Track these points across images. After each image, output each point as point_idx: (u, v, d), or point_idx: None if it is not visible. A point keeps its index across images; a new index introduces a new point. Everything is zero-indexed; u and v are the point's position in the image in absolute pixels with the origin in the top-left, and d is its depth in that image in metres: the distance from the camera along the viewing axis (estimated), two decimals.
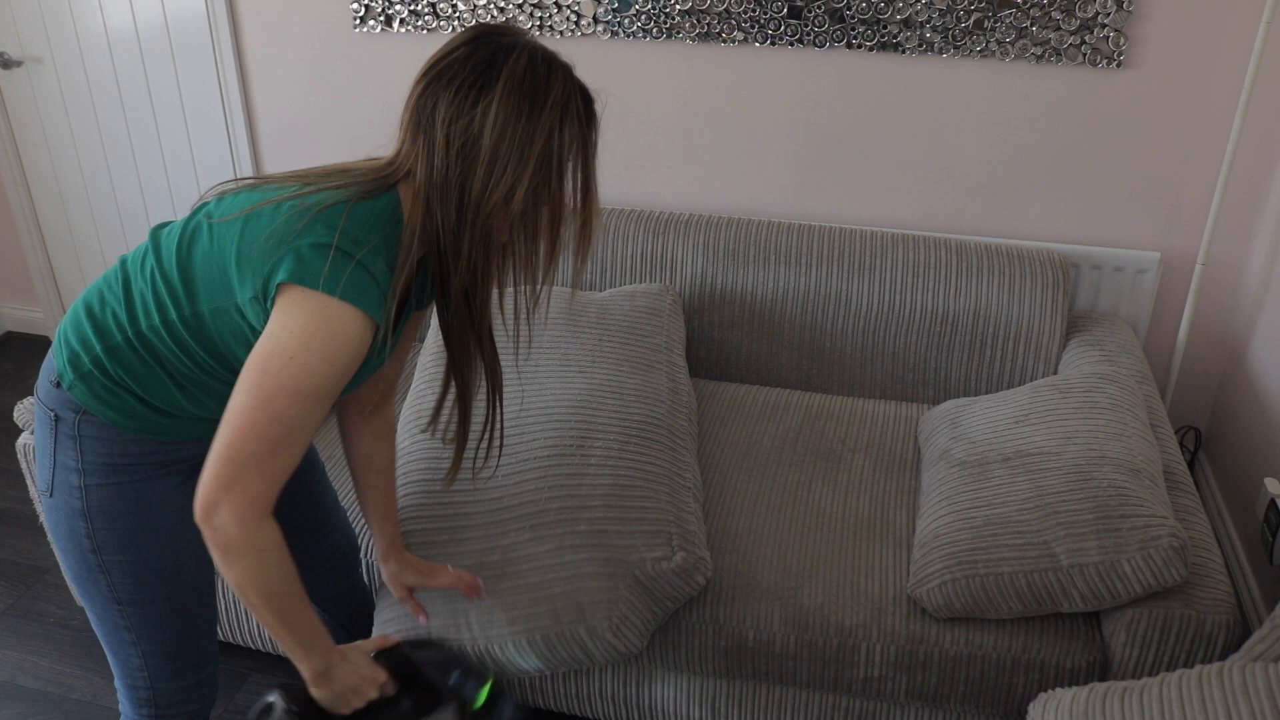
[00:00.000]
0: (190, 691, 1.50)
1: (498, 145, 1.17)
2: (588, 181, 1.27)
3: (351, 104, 2.74)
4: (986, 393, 2.33)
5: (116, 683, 1.50)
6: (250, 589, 1.20)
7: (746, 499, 2.01)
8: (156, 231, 1.32)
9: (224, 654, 2.24)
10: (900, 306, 2.32)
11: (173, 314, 1.25)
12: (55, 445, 1.32)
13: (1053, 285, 2.29)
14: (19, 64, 3.07)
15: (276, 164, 2.96)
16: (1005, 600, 1.70)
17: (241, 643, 2.17)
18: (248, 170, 2.98)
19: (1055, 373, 2.29)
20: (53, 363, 1.32)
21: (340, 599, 1.77)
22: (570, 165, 1.24)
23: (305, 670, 1.31)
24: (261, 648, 2.17)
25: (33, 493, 2.13)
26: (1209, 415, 2.59)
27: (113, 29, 2.92)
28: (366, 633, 1.83)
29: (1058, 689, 1.45)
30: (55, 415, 1.31)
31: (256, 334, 1.22)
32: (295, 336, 1.15)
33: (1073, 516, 1.70)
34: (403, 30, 2.60)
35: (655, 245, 2.42)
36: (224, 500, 1.15)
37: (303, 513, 1.64)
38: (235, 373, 1.28)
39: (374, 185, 1.22)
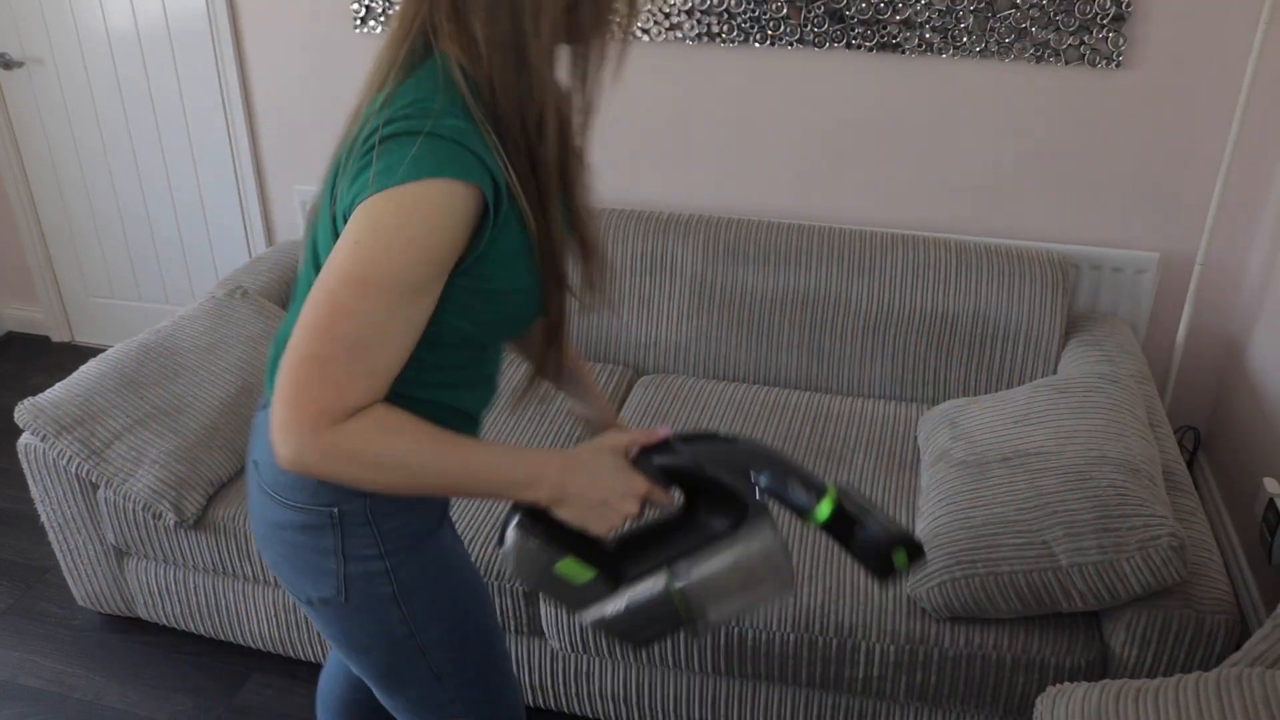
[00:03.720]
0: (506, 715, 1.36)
1: None
2: None
3: (352, 105, 2.74)
4: (986, 393, 2.33)
5: None
6: (382, 482, 1.01)
7: None
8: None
9: (224, 654, 2.24)
10: (900, 306, 2.32)
11: None
12: (341, 544, 1.14)
13: (1052, 285, 2.29)
14: (20, 64, 3.07)
15: (276, 164, 2.96)
16: (1005, 600, 1.71)
17: (241, 642, 2.18)
18: (247, 170, 2.98)
19: (1055, 373, 2.29)
20: None
21: None
22: None
23: (535, 499, 1.09)
24: (261, 647, 2.17)
25: (34, 492, 2.13)
26: (1208, 415, 2.59)
27: (113, 29, 2.93)
28: None
29: (1066, 684, 1.45)
30: (336, 511, 1.12)
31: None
32: (359, 227, 0.95)
33: (1072, 516, 1.70)
34: None
35: (655, 245, 2.42)
36: (289, 419, 0.96)
37: None
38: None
39: (408, 55, 1.03)
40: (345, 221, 0.98)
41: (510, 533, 1.08)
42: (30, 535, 2.62)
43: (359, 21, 2.63)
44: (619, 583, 1.08)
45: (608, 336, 2.47)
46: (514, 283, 1.07)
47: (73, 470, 2.04)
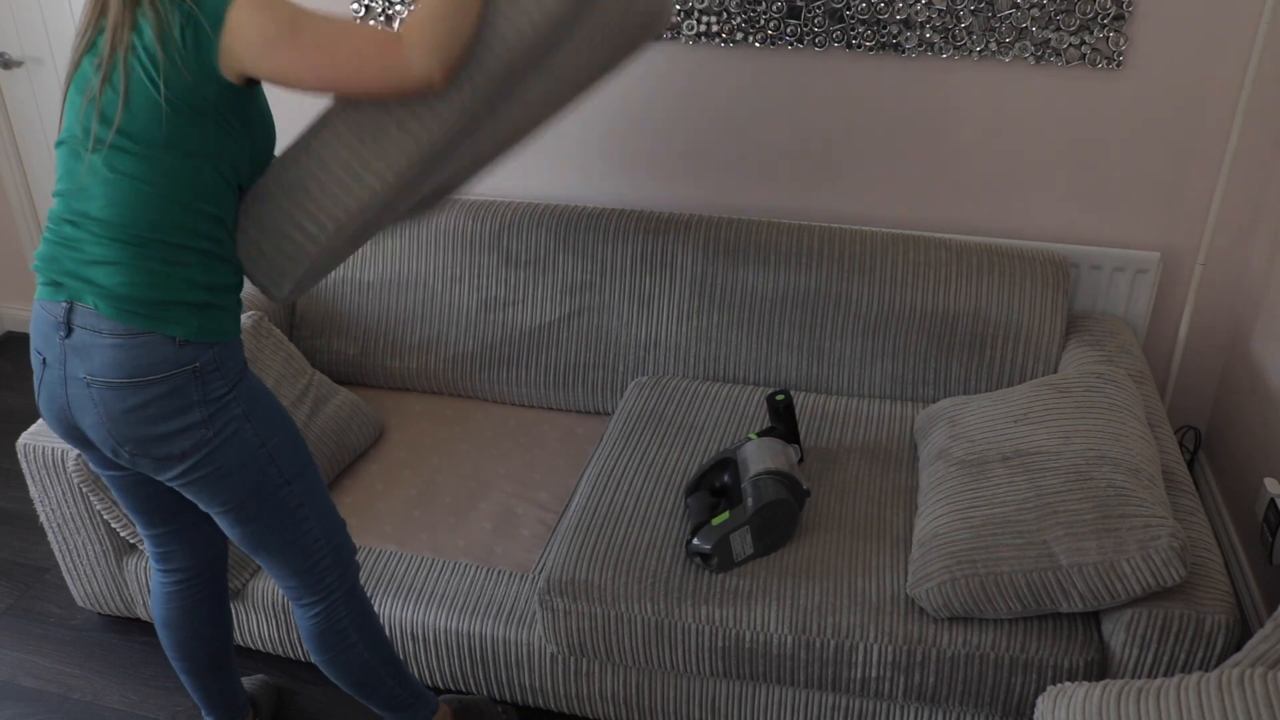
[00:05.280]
0: (346, 534, 1.73)
1: None
2: None
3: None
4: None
5: (295, 582, 1.67)
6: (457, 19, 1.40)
7: None
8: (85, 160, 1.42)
9: None
10: (900, 306, 2.32)
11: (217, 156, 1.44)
12: (202, 390, 1.47)
13: (1053, 285, 2.29)
14: (19, 64, 3.07)
15: None
16: (1004, 600, 1.70)
17: (241, 642, 2.17)
18: None
19: (1055, 373, 2.29)
20: (151, 339, 1.43)
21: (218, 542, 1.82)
22: None
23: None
24: (261, 647, 2.17)
25: (34, 492, 2.14)
26: (1209, 415, 2.59)
27: None
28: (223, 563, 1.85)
29: (1067, 683, 1.45)
30: (195, 367, 1.46)
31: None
32: (260, 31, 1.36)
33: (1072, 516, 1.70)
34: None
35: (655, 245, 2.42)
36: (403, 65, 1.38)
37: None
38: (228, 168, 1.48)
39: None
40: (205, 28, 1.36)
41: (700, 538, 1.84)
42: (30, 535, 2.62)
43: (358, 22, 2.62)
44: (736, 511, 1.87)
45: (607, 336, 2.47)
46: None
47: (68, 464, 2.04)
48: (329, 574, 1.69)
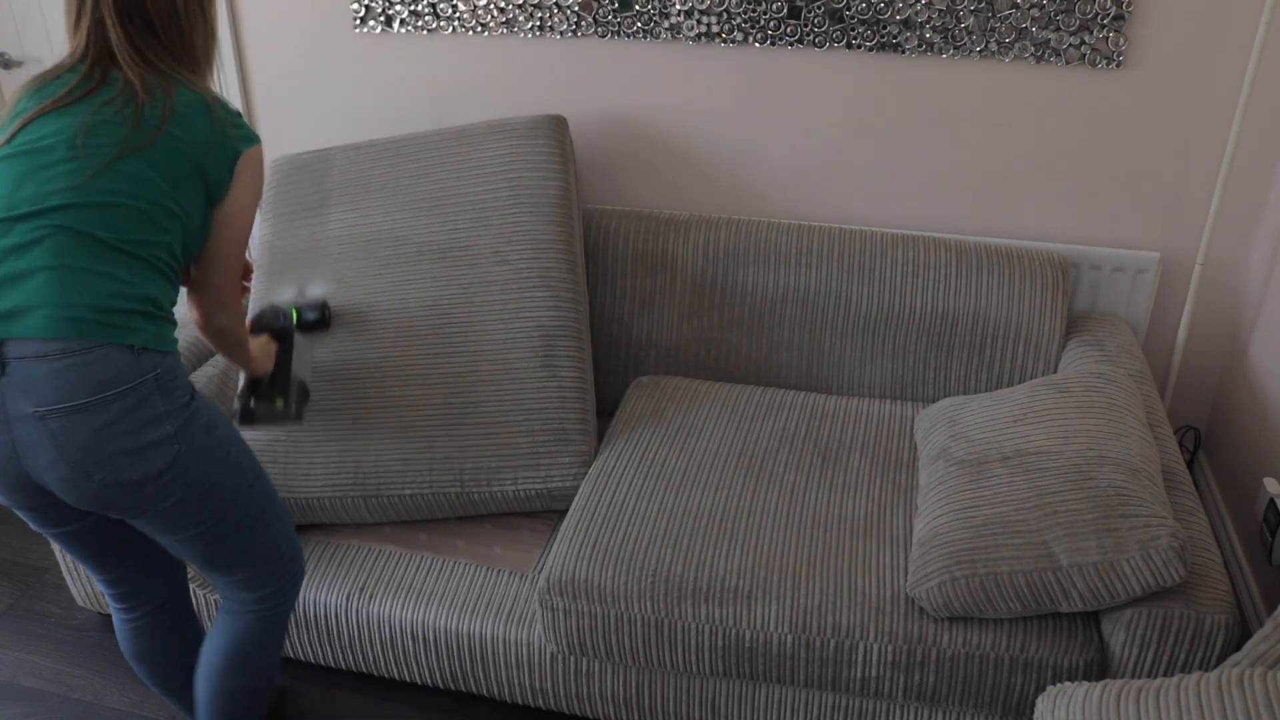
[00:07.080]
0: (294, 529, 1.81)
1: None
2: None
3: (352, 105, 2.74)
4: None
5: (256, 590, 1.70)
6: (241, 350, 1.76)
7: (744, 498, 2.01)
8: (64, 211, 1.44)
9: None
10: (900, 306, 2.32)
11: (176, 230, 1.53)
12: (164, 400, 1.46)
13: (1052, 285, 2.29)
14: (19, 64, 3.07)
15: None
16: (1004, 600, 1.70)
17: None
18: None
19: (1055, 373, 2.29)
20: (108, 350, 1.40)
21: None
22: None
23: (256, 369, 1.90)
24: None
25: None
26: (1208, 415, 2.59)
27: None
28: (183, 579, 1.84)
29: (1066, 683, 1.45)
30: (156, 375, 1.44)
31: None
32: (252, 186, 1.58)
33: (1072, 516, 1.70)
34: (403, 30, 2.60)
35: (655, 245, 2.42)
36: (225, 309, 1.65)
37: None
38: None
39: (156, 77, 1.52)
40: (230, 157, 1.55)
41: (254, 402, 1.95)
42: (30, 535, 2.62)
43: (359, 21, 2.63)
44: (286, 396, 1.99)
45: (607, 337, 2.47)
46: None
47: None
48: (289, 570, 1.73)
